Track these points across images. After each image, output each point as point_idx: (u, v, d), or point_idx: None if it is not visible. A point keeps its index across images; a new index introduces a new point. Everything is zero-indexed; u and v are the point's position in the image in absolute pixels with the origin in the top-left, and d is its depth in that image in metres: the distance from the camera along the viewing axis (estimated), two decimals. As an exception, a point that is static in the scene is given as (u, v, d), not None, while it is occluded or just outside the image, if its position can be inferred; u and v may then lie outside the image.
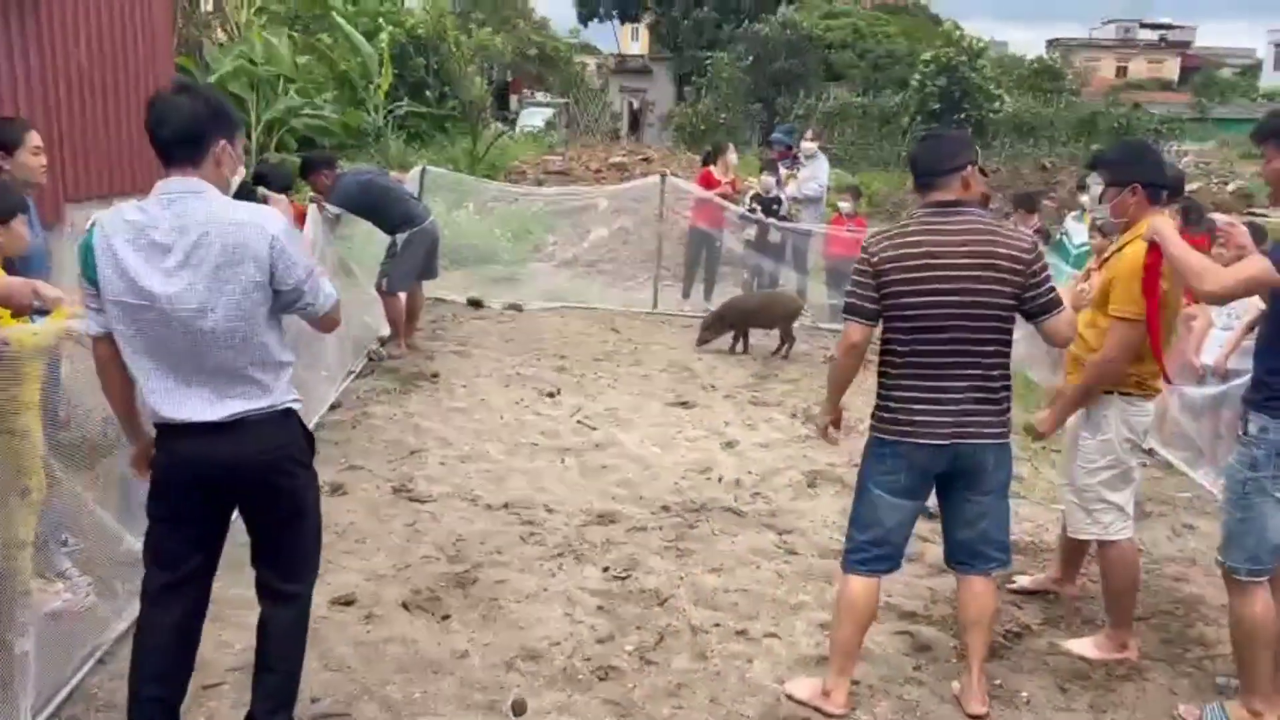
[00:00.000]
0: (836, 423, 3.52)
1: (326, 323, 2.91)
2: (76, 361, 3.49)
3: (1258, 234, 5.80)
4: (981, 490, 3.29)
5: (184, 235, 2.55)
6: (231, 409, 2.67)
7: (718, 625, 3.98)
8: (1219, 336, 5.52)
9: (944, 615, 4.13)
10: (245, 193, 3.09)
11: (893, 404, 3.25)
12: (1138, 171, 3.64)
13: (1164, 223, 3.48)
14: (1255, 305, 5.50)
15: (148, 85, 7.03)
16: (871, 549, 3.34)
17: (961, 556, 3.39)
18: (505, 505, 5.08)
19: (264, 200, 3.12)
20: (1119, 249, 3.66)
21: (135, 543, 3.94)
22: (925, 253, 3.14)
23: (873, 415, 3.35)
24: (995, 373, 3.22)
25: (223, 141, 2.68)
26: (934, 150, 3.31)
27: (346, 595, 3.99)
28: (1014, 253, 3.15)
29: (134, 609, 3.71)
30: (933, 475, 3.29)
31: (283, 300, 2.70)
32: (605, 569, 4.43)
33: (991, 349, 3.20)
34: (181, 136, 2.62)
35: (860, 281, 3.22)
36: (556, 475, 5.55)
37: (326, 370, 6.26)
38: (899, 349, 3.22)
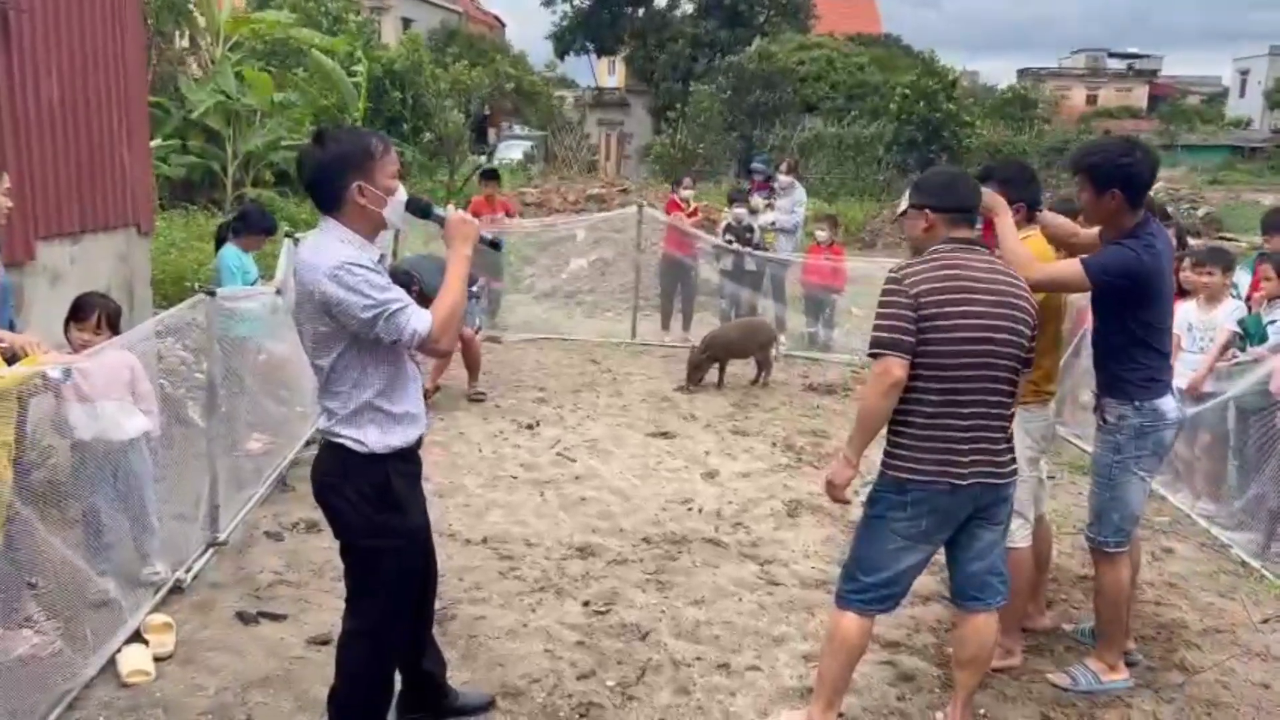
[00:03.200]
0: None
1: (430, 352, 2.93)
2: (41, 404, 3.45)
3: (1225, 257, 5.87)
4: (994, 521, 3.23)
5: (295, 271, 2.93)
6: (318, 425, 3.01)
7: (700, 659, 3.94)
8: (1189, 360, 5.55)
9: (926, 644, 4.11)
10: (418, 206, 2.96)
11: (924, 444, 3.08)
12: (1028, 192, 3.89)
13: (999, 202, 3.66)
14: (1226, 328, 5.55)
15: (121, 120, 6.99)
16: (879, 590, 3.22)
17: (974, 591, 3.29)
18: (484, 540, 5.03)
19: (430, 214, 3.00)
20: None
21: (104, 584, 3.88)
22: (963, 287, 3.06)
23: (892, 456, 3.16)
24: (1010, 409, 3.20)
25: (357, 184, 2.79)
26: (966, 187, 3.30)
27: (323, 635, 3.92)
28: (1028, 296, 3.18)
29: (104, 653, 3.66)
30: (958, 518, 3.16)
31: (357, 332, 2.79)
32: (586, 603, 4.38)
33: (1011, 387, 3.16)
34: (310, 185, 2.88)
35: (898, 314, 3.04)
36: (535, 508, 5.51)
37: (301, 407, 6.20)
38: (933, 386, 3.05)
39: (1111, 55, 67.09)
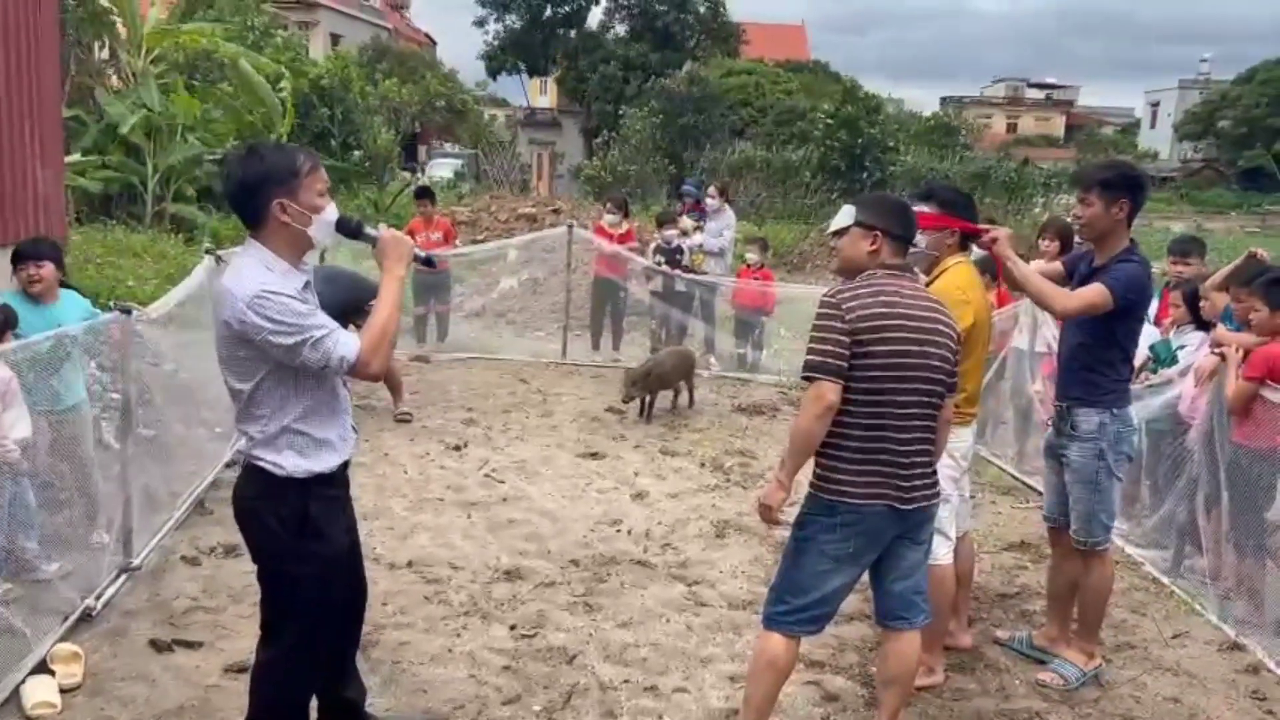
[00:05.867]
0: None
1: (361, 376, 2.84)
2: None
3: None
4: (918, 541, 3.27)
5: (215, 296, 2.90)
6: (239, 446, 3.01)
7: (627, 681, 3.92)
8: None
9: (851, 664, 4.14)
10: (348, 226, 2.87)
11: (855, 466, 3.11)
12: (964, 215, 3.93)
13: (1007, 250, 3.91)
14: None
15: (33, 132, 6.78)
16: (807, 612, 3.23)
17: (900, 610, 3.32)
18: (409, 564, 4.95)
19: (361, 234, 2.91)
20: (931, 280, 3.81)
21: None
22: (898, 314, 3.10)
23: (822, 479, 3.18)
24: (935, 432, 3.24)
25: (278, 201, 2.72)
26: (912, 216, 3.34)
27: (240, 662, 3.81)
28: (952, 323, 3.23)
29: (6, 685, 3.51)
30: (886, 539, 3.19)
31: (281, 360, 2.73)
32: (512, 627, 4.34)
33: (937, 411, 3.21)
34: (233, 201, 2.83)
35: (833, 338, 3.06)
36: (462, 531, 5.44)
37: (221, 427, 6.05)
38: (866, 410, 3.09)
39: (1031, 85, 69.32)
